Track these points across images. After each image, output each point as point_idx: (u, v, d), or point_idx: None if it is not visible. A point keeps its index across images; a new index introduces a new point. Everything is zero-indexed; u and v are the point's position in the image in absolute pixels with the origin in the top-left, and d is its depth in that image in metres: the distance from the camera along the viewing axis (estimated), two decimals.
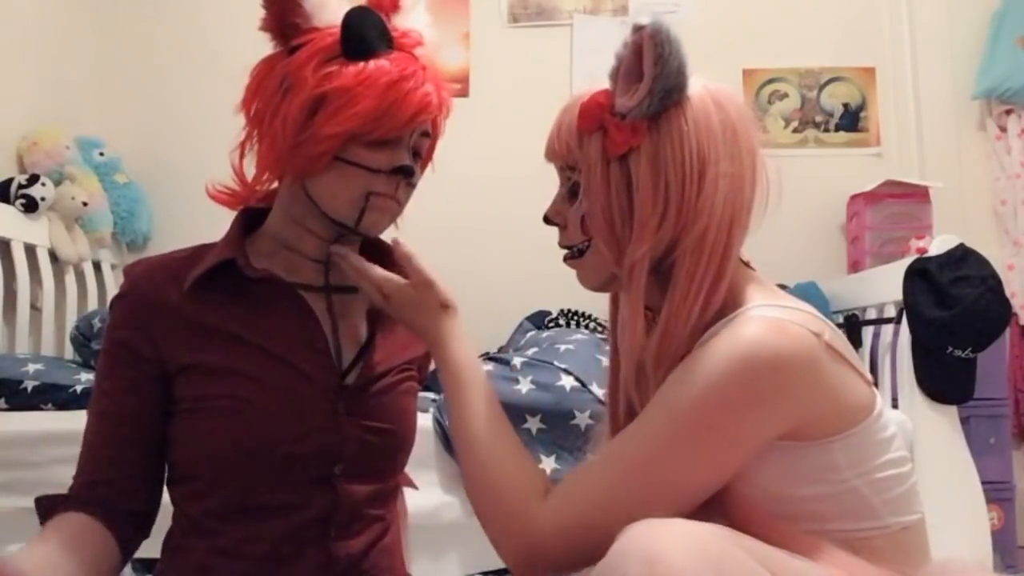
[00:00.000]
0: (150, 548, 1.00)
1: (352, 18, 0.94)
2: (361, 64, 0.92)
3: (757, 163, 0.89)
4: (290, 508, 0.94)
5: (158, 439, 0.97)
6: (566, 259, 0.95)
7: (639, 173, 0.86)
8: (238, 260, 0.96)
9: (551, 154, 0.94)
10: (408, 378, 1.08)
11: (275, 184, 1.03)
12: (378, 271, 0.98)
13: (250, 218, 1.05)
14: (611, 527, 0.71)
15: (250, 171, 1.02)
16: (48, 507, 0.94)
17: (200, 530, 0.95)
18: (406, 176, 0.96)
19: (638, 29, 0.84)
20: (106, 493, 0.94)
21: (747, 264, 0.93)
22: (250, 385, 0.94)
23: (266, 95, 0.96)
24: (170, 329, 0.94)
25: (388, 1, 0.98)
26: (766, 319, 0.82)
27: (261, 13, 0.97)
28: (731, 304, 0.86)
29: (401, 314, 0.98)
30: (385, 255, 1.03)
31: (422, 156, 1.02)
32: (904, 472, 0.86)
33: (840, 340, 0.85)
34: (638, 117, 0.85)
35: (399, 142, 0.96)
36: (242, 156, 1.00)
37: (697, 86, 0.88)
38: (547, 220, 0.96)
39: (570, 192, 0.93)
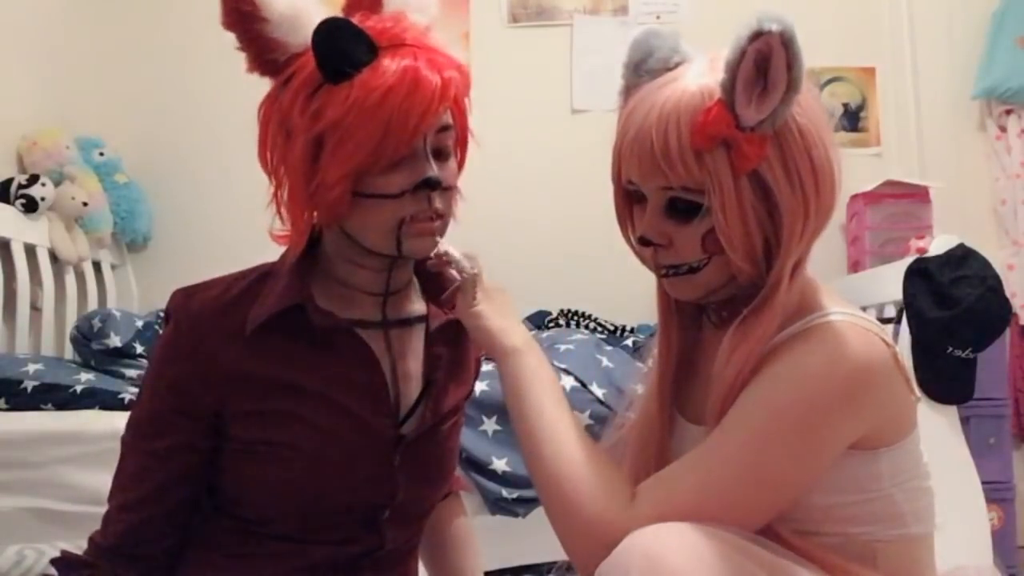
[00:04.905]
0: None
1: (320, 38, 0.82)
2: (345, 87, 0.82)
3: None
4: (334, 543, 0.95)
5: (203, 475, 0.94)
6: (667, 275, 0.88)
7: (776, 182, 0.81)
8: (307, 307, 0.91)
9: (650, 175, 0.83)
10: (458, 417, 1.07)
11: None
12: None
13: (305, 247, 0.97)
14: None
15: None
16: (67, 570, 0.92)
17: (236, 539, 0.94)
18: (432, 188, 0.88)
19: (760, 34, 0.77)
20: (135, 541, 0.93)
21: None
22: (310, 434, 0.91)
23: (273, 140, 0.90)
24: (232, 378, 0.90)
25: (367, 1, 0.90)
26: (854, 326, 0.81)
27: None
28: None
29: (489, 302, 0.96)
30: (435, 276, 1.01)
31: (449, 153, 0.93)
32: (930, 485, 0.88)
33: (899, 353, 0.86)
34: (770, 127, 0.80)
35: (414, 155, 0.87)
36: (277, 206, 0.92)
37: None
38: (645, 241, 0.87)
39: (670, 210, 0.85)
